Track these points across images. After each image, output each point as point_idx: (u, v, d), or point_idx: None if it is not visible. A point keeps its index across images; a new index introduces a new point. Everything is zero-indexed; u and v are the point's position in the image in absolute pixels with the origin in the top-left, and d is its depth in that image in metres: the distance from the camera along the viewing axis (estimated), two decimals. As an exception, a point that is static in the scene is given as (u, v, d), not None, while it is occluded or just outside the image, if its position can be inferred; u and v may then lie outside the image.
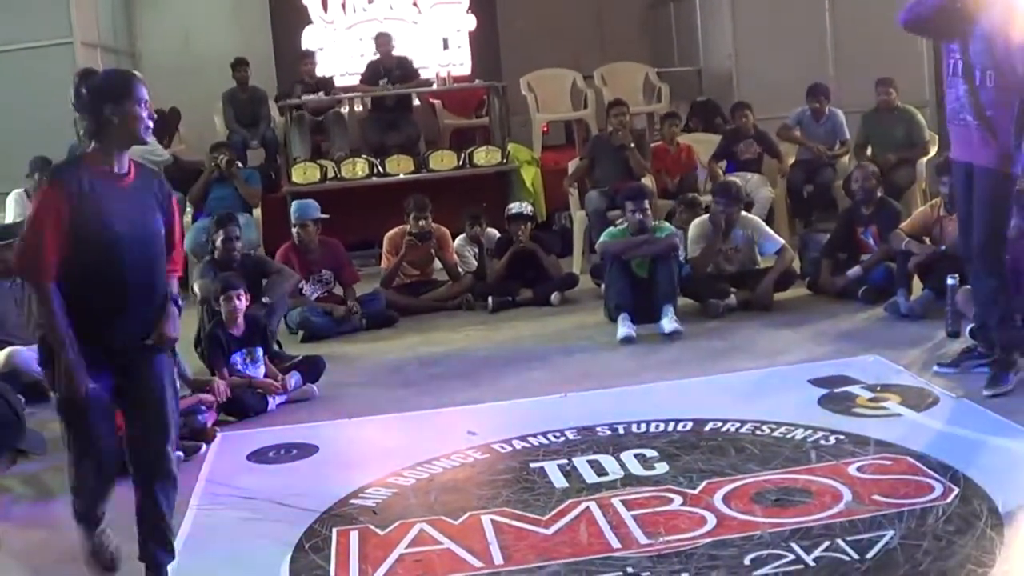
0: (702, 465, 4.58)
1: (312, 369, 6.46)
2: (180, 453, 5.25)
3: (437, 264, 8.73)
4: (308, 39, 13.04)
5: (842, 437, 4.80)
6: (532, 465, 4.76)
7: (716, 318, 7.45)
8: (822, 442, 4.76)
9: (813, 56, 11.67)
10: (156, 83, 11.81)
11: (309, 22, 13.16)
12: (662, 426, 5.13)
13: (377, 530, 4.19)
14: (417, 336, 7.73)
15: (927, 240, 7.21)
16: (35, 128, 9.90)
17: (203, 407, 5.68)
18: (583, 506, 4.22)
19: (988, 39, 5.09)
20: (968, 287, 6.09)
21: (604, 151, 9.52)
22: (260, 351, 6.31)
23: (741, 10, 12.01)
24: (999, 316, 5.37)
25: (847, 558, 3.61)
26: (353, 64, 12.68)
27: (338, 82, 12.12)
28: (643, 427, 5.14)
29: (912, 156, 9.60)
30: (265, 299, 7.18)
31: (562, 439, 5.09)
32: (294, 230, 8.13)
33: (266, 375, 6.28)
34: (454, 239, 8.82)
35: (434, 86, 11.69)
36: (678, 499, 4.23)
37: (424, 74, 11.74)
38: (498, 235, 8.90)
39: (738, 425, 5.06)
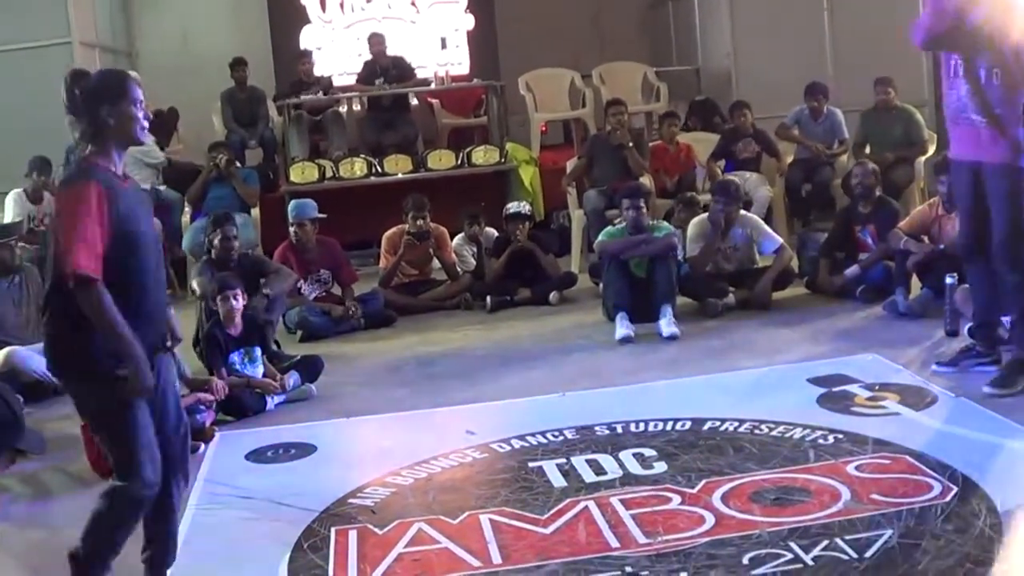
0: (701, 464, 4.58)
1: (310, 369, 6.46)
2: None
3: (436, 264, 8.73)
4: (306, 39, 13.04)
5: (840, 436, 4.80)
6: (530, 464, 4.75)
7: (714, 317, 7.45)
8: (820, 441, 4.76)
9: (812, 55, 11.68)
10: (154, 83, 11.93)
11: (307, 22, 13.17)
12: (660, 425, 5.13)
13: (376, 529, 4.19)
14: (415, 336, 7.73)
15: (925, 239, 7.20)
16: (33, 128, 9.90)
17: (202, 407, 5.68)
18: (581, 505, 4.22)
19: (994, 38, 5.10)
20: (967, 286, 6.10)
21: (602, 150, 9.52)
22: (258, 351, 6.31)
23: (739, 9, 12.01)
24: (1020, 313, 5.37)
25: (846, 557, 3.60)
26: (351, 64, 12.68)
27: (336, 82, 12.12)
28: (641, 426, 5.14)
29: (911, 155, 9.60)
30: (265, 290, 7.18)
31: (560, 438, 5.08)
32: (291, 229, 8.13)
33: (264, 375, 6.28)
34: (452, 238, 8.82)
35: (432, 85, 11.70)
36: (676, 498, 4.23)
37: (422, 73, 11.75)
38: (496, 234, 8.91)
39: (736, 424, 5.06)
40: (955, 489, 4.09)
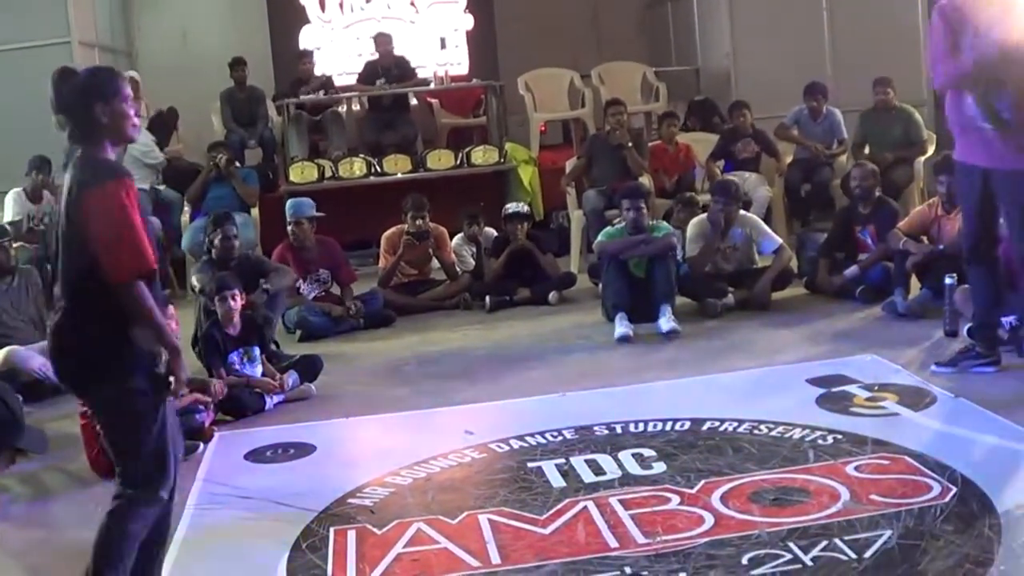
0: (700, 464, 4.58)
1: (309, 368, 6.46)
2: (177, 452, 5.26)
3: (435, 263, 8.73)
4: (305, 39, 13.04)
5: (840, 436, 4.80)
6: (530, 464, 4.75)
7: (714, 317, 7.45)
8: (820, 441, 4.76)
9: (811, 55, 11.68)
10: (154, 83, 11.95)
11: (307, 22, 13.17)
12: (660, 425, 5.13)
13: (374, 529, 4.19)
14: (415, 335, 7.73)
15: (925, 239, 7.20)
16: (33, 128, 9.83)
17: (200, 407, 5.68)
18: (581, 505, 4.22)
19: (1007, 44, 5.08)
20: (966, 286, 6.10)
21: (602, 150, 9.52)
22: (257, 350, 6.31)
23: (739, 9, 12.01)
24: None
25: (845, 557, 3.60)
26: (351, 64, 12.68)
27: (336, 82, 12.11)
28: (641, 427, 5.14)
29: (910, 155, 9.60)
30: (266, 286, 7.19)
31: (560, 438, 5.08)
32: (289, 228, 8.14)
33: (263, 374, 6.28)
34: (452, 238, 8.82)
35: (432, 85, 11.70)
36: (676, 499, 4.23)
37: (421, 73, 11.74)
38: (496, 234, 8.91)
39: (736, 424, 5.06)
40: (954, 489, 4.09)
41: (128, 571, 3.40)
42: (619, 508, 4.16)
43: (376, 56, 11.37)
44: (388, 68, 11.20)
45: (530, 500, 4.34)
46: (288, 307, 7.73)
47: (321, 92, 11.38)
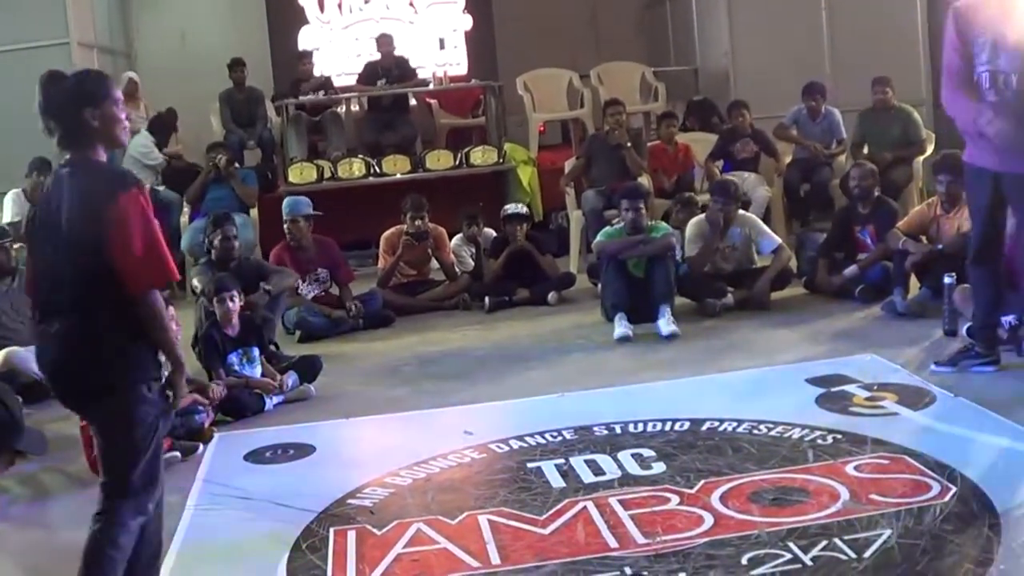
0: (699, 465, 4.58)
1: (309, 369, 6.46)
2: (177, 453, 5.27)
3: (434, 264, 8.73)
4: (304, 39, 13.03)
5: (839, 436, 4.80)
6: (529, 465, 4.75)
7: (713, 317, 7.45)
8: (819, 441, 4.76)
9: (810, 55, 11.68)
10: (153, 84, 11.95)
11: (305, 22, 13.16)
12: (659, 426, 5.13)
13: (374, 530, 4.19)
14: (414, 336, 7.73)
15: (924, 239, 7.20)
16: (32, 128, 9.82)
17: (200, 408, 5.68)
18: (580, 506, 4.22)
19: (1018, 47, 5.05)
20: (965, 286, 6.11)
21: (600, 151, 9.52)
22: (256, 351, 6.31)
23: (737, 9, 12.02)
24: None
25: (844, 557, 3.60)
26: (350, 64, 12.68)
27: (334, 82, 12.11)
28: (640, 427, 5.14)
29: (909, 155, 9.60)
30: (267, 286, 7.20)
31: (559, 439, 5.08)
32: (285, 226, 8.14)
33: (263, 375, 6.28)
34: (451, 239, 8.82)
35: (431, 86, 11.71)
36: (675, 499, 4.23)
37: (421, 74, 11.74)
38: (495, 235, 8.91)
39: (735, 424, 5.06)
40: (954, 489, 4.09)
41: None
42: (619, 508, 4.16)
43: (378, 57, 11.37)
44: (389, 69, 11.22)
45: (530, 500, 4.34)
46: (288, 307, 7.73)
47: (320, 92, 11.38)
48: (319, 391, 6.37)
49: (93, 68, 3.71)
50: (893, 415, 5.11)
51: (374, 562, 3.90)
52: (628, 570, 3.65)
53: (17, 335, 6.84)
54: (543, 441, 5.07)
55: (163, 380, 3.37)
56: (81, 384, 3.33)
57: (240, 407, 6.02)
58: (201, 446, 5.45)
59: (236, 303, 6.29)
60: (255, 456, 5.30)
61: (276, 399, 6.20)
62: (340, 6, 13.18)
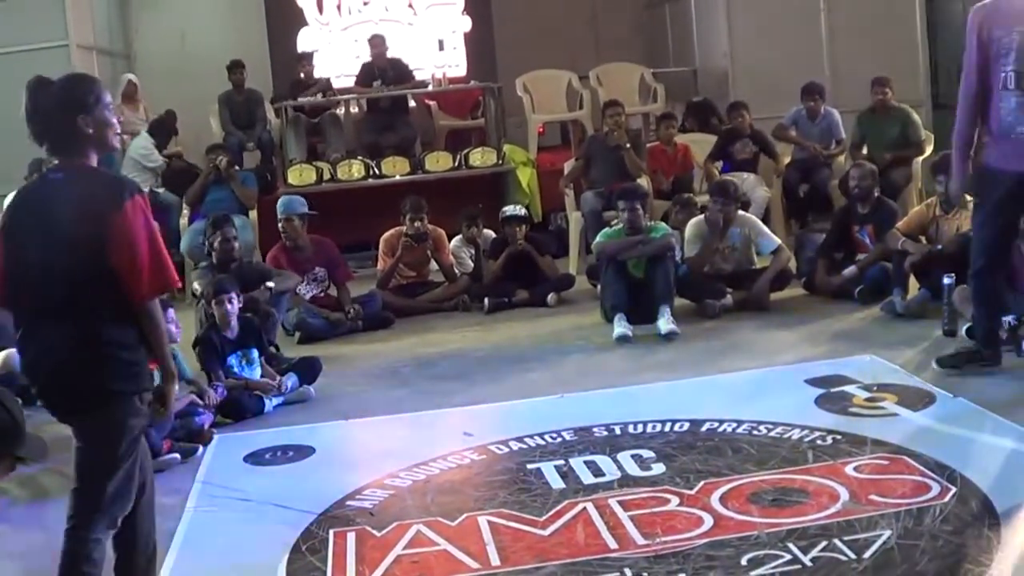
0: (699, 465, 4.58)
1: (308, 371, 6.46)
2: (177, 455, 5.27)
3: (433, 265, 8.73)
4: (303, 41, 13.03)
5: (839, 437, 4.80)
6: (529, 466, 4.75)
7: (712, 318, 7.45)
8: (819, 442, 4.76)
9: (809, 56, 11.67)
10: (152, 85, 11.93)
11: (304, 24, 13.15)
12: (659, 427, 5.13)
13: (374, 531, 4.19)
14: (413, 337, 7.73)
15: (923, 239, 7.21)
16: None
17: (199, 410, 5.68)
18: (580, 507, 4.22)
19: None
20: (965, 286, 6.10)
21: (600, 152, 9.52)
22: (255, 353, 6.31)
23: (736, 10, 12.01)
24: None
25: (844, 558, 3.61)
26: (348, 66, 12.67)
27: (334, 84, 12.11)
28: (640, 428, 5.14)
29: (908, 155, 9.60)
30: (269, 284, 7.20)
31: (559, 440, 5.08)
32: (280, 225, 8.15)
33: (262, 376, 6.28)
34: (450, 240, 8.82)
35: (430, 87, 11.70)
36: (675, 500, 4.23)
37: (420, 75, 11.74)
38: (494, 236, 8.90)
39: (735, 425, 5.06)
40: (953, 489, 4.10)
41: None
42: (618, 509, 4.16)
43: (370, 58, 11.37)
44: (384, 70, 11.21)
45: (529, 501, 4.34)
46: (288, 308, 7.73)
47: (319, 95, 11.38)
48: (319, 393, 6.37)
49: (80, 72, 3.66)
50: (893, 416, 5.12)
51: (374, 563, 3.90)
52: (628, 571, 3.65)
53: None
54: (543, 442, 5.07)
55: (151, 391, 3.35)
56: (79, 393, 3.28)
57: (240, 409, 6.02)
58: (200, 448, 5.46)
59: (235, 305, 6.29)
60: (255, 458, 5.30)
61: (276, 401, 6.20)
62: (339, 8, 13.16)
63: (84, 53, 11.12)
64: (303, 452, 5.30)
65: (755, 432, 4.96)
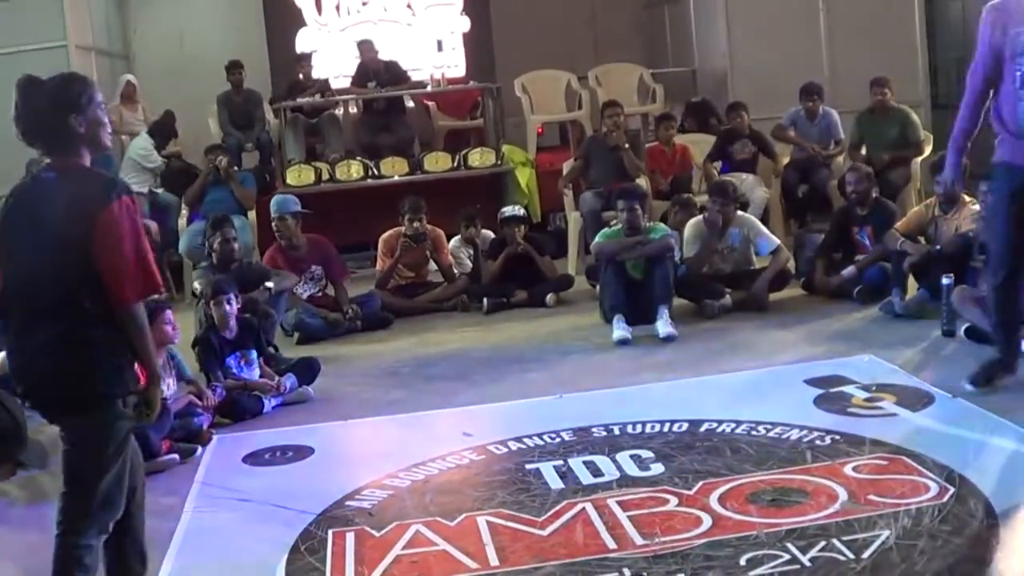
0: (698, 466, 4.58)
1: (307, 371, 6.46)
2: (176, 456, 5.27)
3: (432, 266, 8.72)
4: (302, 42, 13.02)
5: (838, 437, 4.80)
6: (528, 466, 4.76)
7: (711, 319, 7.45)
8: (818, 442, 4.77)
9: (808, 56, 11.65)
10: (151, 86, 11.92)
11: (303, 25, 13.14)
12: (658, 427, 5.13)
13: (373, 532, 4.19)
14: (412, 338, 7.73)
15: (922, 240, 7.21)
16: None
17: (199, 410, 5.69)
18: (579, 507, 4.22)
19: None
20: (964, 286, 6.10)
21: (599, 152, 9.52)
22: (254, 353, 6.31)
23: (735, 10, 11.99)
24: None
25: (843, 558, 3.61)
26: (347, 66, 12.66)
27: (332, 84, 12.10)
28: (639, 428, 5.14)
29: (907, 156, 9.60)
30: (269, 284, 7.20)
31: (558, 440, 5.08)
32: (273, 224, 8.15)
33: (261, 376, 6.28)
34: (449, 241, 8.82)
35: (428, 88, 11.69)
36: (674, 500, 4.23)
37: (418, 76, 11.73)
38: (493, 236, 8.90)
39: (734, 426, 5.06)
40: (952, 490, 4.10)
41: None
42: (617, 509, 4.16)
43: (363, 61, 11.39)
44: (378, 71, 11.21)
45: (528, 502, 4.34)
46: (287, 308, 7.73)
47: (318, 95, 11.37)
48: (317, 393, 6.37)
49: (72, 72, 3.64)
50: (892, 416, 5.12)
51: (373, 564, 3.90)
52: (627, 571, 3.65)
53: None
54: (541, 442, 5.07)
55: (136, 394, 3.34)
56: (68, 395, 3.28)
57: (239, 409, 6.02)
58: (199, 448, 5.46)
59: (233, 306, 6.29)
60: (254, 458, 5.30)
61: (274, 401, 6.20)
62: (338, 8, 13.14)
63: (83, 54, 11.11)
64: (302, 452, 5.30)
65: (754, 432, 4.96)
